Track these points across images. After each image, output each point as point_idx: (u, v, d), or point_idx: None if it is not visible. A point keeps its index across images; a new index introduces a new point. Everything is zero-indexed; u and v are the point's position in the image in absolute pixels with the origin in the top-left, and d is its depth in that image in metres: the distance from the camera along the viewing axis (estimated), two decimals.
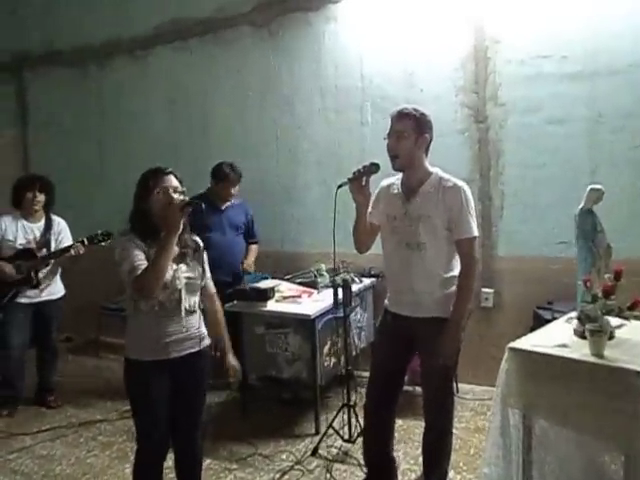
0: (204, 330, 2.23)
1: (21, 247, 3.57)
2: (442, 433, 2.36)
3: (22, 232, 3.62)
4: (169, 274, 2.04)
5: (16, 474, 2.93)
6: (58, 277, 3.79)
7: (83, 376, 4.37)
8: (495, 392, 2.21)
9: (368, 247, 2.49)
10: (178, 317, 2.11)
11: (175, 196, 2.06)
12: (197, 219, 2.52)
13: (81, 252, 3.51)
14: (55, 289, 3.76)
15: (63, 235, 3.76)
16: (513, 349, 2.15)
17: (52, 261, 3.63)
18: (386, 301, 2.47)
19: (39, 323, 3.72)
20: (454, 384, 2.43)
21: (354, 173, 2.25)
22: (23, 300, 3.59)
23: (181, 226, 2.02)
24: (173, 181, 2.12)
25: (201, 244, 2.26)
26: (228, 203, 3.87)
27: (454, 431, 3.06)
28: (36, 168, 5.72)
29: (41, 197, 3.66)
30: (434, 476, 2.39)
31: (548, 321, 2.66)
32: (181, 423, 2.22)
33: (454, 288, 2.26)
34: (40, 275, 3.59)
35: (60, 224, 3.79)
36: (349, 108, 4.07)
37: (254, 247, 4.06)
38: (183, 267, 2.12)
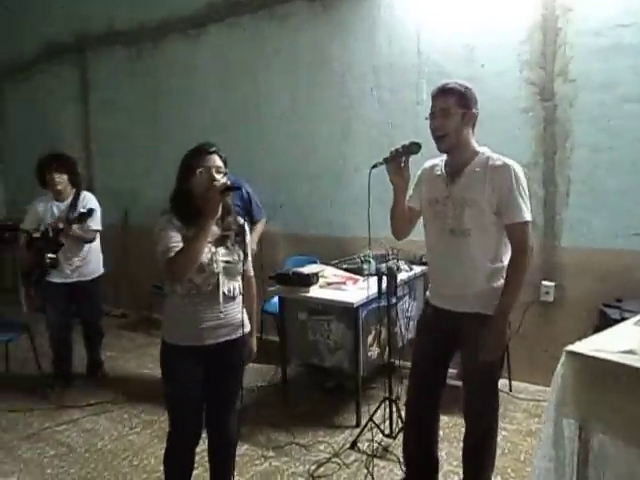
0: (243, 317, 2.14)
1: (45, 227, 3.56)
2: (484, 438, 2.17)
3: (50, 213, 3.65)
4: (206, 257, 1.96)
5: (61, 446, 3.01)
6: (92, 257, 3.74)
7: (133, 352, 4.46)
8: (549, 398, 2.01)
9: (406, 234, 2.32)
10: (216, 302, 2.02)
11: (218, 177, 1.97)
12: None
13: (69, 232, 3.47)
14: (87, 270, 3.72)
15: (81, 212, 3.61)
16: (571, 353, 1.92)
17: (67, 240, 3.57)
18: (427, 292, 2.29)
19: (75, 303, 3.77)
20: (498, 385, 2.20)
21: (391, 152, 2.08)
22: (56, 280, 3.63)
23: (220, 210, 1.94)
24: (216, 161, 2.01)
25: (246, 227, 2.16)
26: None
27: (504, 433, 2.92)
28: (96, 144, 5.91)
29: (61, 177, 3.64)
30: None
31: (616, 321, 2.40)
32: (214, 409, 2.17)
33: (502, 282, 2.04)
34: (59, 255, 3.55)
35: (85, 200, 3.69)
36: (404, 86, 3.85)
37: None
38: (222, 250, 2.03)
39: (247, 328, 2.16)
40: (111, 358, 4.22)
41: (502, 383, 3.38)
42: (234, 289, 2.08)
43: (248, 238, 2.17)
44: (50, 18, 6.04)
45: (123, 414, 3.35)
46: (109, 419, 3.29)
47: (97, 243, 3.80)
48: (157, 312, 4.89)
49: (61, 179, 3.64)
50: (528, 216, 2.00)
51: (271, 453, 2.85)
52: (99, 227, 3.71)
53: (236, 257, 2.07)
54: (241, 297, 2.13)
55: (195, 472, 2.25)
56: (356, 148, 4.09)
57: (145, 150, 5.38)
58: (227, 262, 2.04)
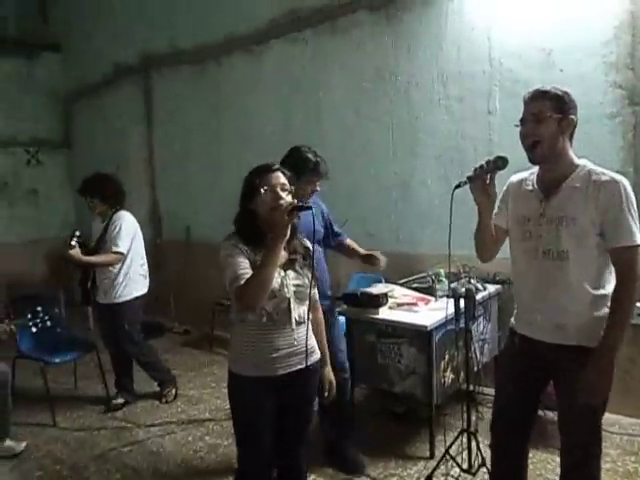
0: (313, 343, 2.02)
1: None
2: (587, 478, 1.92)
3: (94, 234, 3.72)
4: (277, 281, 1.85)
5: (126, 468, 2.97)
6: (122, 280, 3.61)
7: (196, 371, 4.43)
8: None
9: (492, 256, 2.12)
10: (288, 329, 1.90)
11: (283, 195, 1.86)
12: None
13: (71, 253, 3.40)
14: (115, 293, 3.60)
15: (112, 233, 3.57)
16: None
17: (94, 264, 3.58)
18: (512, 320, 2.06)
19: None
20: (601, 429, 1.95)
21: (475, 170, 1.89)
22: (99, 300, 3.68)
23: (288, 231, 1.80)
24: (280, 178, 1.90)
25: (311, 248, 2.04)
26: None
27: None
28: (159, 163, 6.01)
29: (92, 201, 3.65)
30: None
31: None
32: (286, 442, 2.04)
33: (606, 310, 1.81)
34: (90, 277, 3.62)
35: (114, 223, 3.59)
36: (474, 95, 3.64)
37: (350, 240, 3.12)
38: (292, 274, 1.92)
39: (318, 355, 2.04)
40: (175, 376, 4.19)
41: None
42: (304, 313, 1.95)
43: (316, 261, 2.05)
44: (116, 40, 6.24)
45: (187, 437, 3.29)
46: (173, 442, 3.23)
47: (130, 266, 3.65)
48: (219, 329, 4.86)
49: (93, 203, 3.66)
50: (638, 239, 1.76)
51: (330, 471, 2.70)
52: (120, 250, 3.55)
53: (306, 281, 1.94)
54: (309, 322, 2.01)
55: None
56: (423, 161, 3.92)
57: (207, 167, 5.41)
58: (297, 286, 1.92)
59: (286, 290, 1.88)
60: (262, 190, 1.87)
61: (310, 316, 1.99)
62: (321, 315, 2.15)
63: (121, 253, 3.56)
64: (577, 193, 1.82)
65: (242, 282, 1.78)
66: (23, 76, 6.77)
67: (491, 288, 3.38)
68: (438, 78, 3.80)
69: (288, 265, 1.92)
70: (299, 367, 1.93)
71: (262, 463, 1.97)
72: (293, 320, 1.89)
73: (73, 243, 3.42)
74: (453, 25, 3.69)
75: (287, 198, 1.87)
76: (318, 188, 2.75)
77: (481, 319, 3.32)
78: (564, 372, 1.84)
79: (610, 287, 1.82)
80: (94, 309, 3.91)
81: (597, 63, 3.17)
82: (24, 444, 3.17)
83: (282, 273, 1.88)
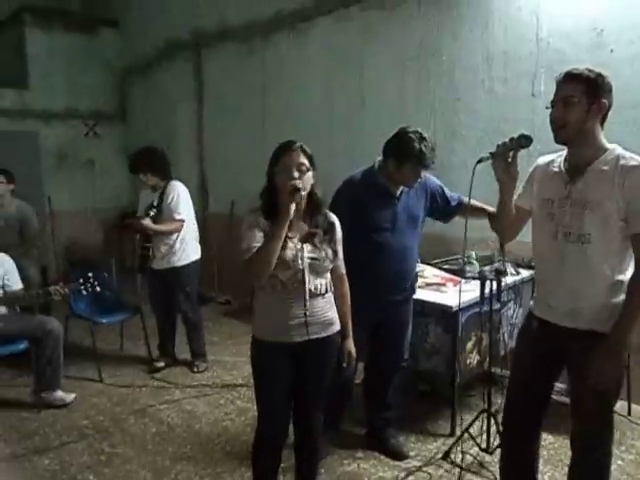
0: (333, 315, 2.10)
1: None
2: (593, 472, 1.93)
3: (143, 204, 3.87)
4: (291, 253, 1.95)
5: (162, 424, 3.18)
6: (180, 245, 3.77)
7: (234, 339, 4.61)
8: None
9: (513, 236, 2.12)
10: (301, 299, 1.99)
11: (296, 175, 1.94)
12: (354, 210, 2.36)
13: (144, 223, 3.62)
14: (174, 259, 3.78)
15: (171, 202, 3.72)
16: None
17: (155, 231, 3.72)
18: (531, 302, 2.08)
19: (169, 291, 3.89)
20: (613, 413, 1.94)
21: (498, 146, 1.89)
22: (153, 266, 3.82)
23: (291, 213, 1.89)
24: (297, 158, 1.97)
25: (336, 224, 2.11)
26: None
27: (619, 462, 2.65)
28: (208, 138, 6.18)
29: (145, 176, 3.78)
30: None
31: None
32: (300, 408, 2.16)
33: (623, 296, 1.79)
34: (151, 245, 3.75)
35: (170, 193, 3.74)
36: (519, 77, 3.57)
37: (473, 201, 2.44)
38: (308, 247, 2.00)
39: (337, 327, 2.12)
40: (213, 343, 4.40)
41: (620, 405, 3.06)
42: (321, 286, 2.03)
43: (339, 235, 2.11)
44: (169, 16, 6.38)
45: (220, 399, 3.47)
46: (206, 403, 3.42)
47: (187, 231, 3.82)
48: None
49: (146, 177, 3.81)
50: None
51: (360, 454, 2.80)
52: (182, 217, 3.74)
53: (323, 254, 2.02)
54: (331, 295, 2.09)
55: (284, 465, 2.27)
56: (464, 143, 3.88)
57: (253, 143, 5.51)
58: (313, 259, 2.00)
59: (300, 262, 1.96)
60: (277, 169, 1.98)
61: (331, 288, 2.08)
62: (347, 289, 2.20)
63: (182, 220, 3.77)
64: (604, 176, 1.79)
65: (251, 254, 1.91)
66: (83, 51, 7.05)
67: (524, 273, 3.34)
68: (483, 59, 3.74)
69: (306, 238, 2.00)
70: (317, 336, 2.02)
71: (276, 424, 2.09)
72: (307, 291, 1.97)
73: (152, 213, 3.68)
74: (500, 4, 3.61)
75: (302, 178, 1.94)
76: (422, 177, 2.57)
77: (511, 303, 3.32)
78: (577, 356, 1.85)
79: (629, 274, 1.80)
80: (144, 277, 4.09)
81: None
82: (73, 395, 3.44)
83: (298, 246, 1.97)
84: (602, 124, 1.87)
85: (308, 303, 2.00)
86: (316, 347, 2.04)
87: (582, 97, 1.78)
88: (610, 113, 1.88)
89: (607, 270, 1.81)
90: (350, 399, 2.90)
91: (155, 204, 3.73)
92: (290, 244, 1.97)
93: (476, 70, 3.77)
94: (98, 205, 7.20)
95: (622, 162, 1.78)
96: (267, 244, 1.89)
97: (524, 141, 1.86)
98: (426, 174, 2.65)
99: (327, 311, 2.07)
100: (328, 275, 2.08)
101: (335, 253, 2.08)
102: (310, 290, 2.00)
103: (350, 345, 2.21)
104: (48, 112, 6.80)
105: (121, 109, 7.51)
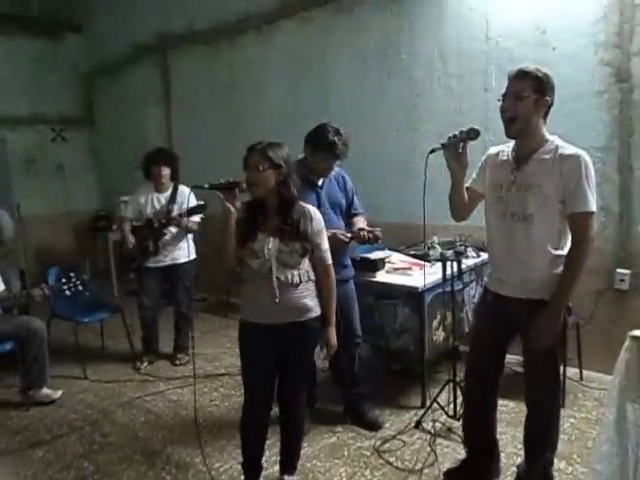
0: (310, 302, 2.26)
1: (148, 217, 3.95)
2: (545, 424, 2.20)
3: (151, 204, 4.00)
4: (259, 244, 2.17)
5: (150, 413, 3.34)
6: (184, 243, 3.99)
7: (212, 334, 4.78)
8: (612, 383, 2.02)
9: (464, 216, 2.36)
10: (270, 287, 2.17)
11: (250, 176, 2.17)
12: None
13: (188, 225, 3.82)
14: (179, 254, 4.00)
15: (185, 204, 3.85)
16: (636, 338, 1.94)
17: (171, 229, 3.93)
18: (486, 278, 2.33)
19: (167, 286, 4.09)
20: (559, 371, 2.21)
21: (449, 138, 2.12)
22: (151, 265, 3.98)
23: (230, 210, 2.14)
24: (255, 158, 2.18)
25: (311, 219, 2.25)
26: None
27: (572, 420, 2.94)
28: (177, 140, 6.28)
29: (165, 170, 3.97)
30: (535, 464, 2.25)
31: None
32: (281, 387, 2.36)
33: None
34: (159, 244, 3.92)
35: (183, 194, 3.93)
36: (472, 73, 3.84)
37: (361, 218, 3.13)
38: (276, 241, 2.17)
39: (314, 313, 2.28)
40: (193, 337, 4.53)
41: (573, 372, 3.39)
42: (293, 277, 2.20)
43: (316, 229, 2.25)
44: (135, 20, 6.46)
45: (204, 388, 3.63)
46: (191, 392, 3.56)
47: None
48: (234, 297, 5.18)
49: (165, 172, 3.97)
50: (593, 207, 1.99)
51: (339, 428, 3.01)
52: (198, 220, 3.99)
53: (291, 248, 2.17)
54: (310, 284, 2.26)
55: (269, 441, 2.47)
56: (424, 136, 4.12)
57: (222, 143, 5.64)
58: (281, 252, 2.17)
59: (267, 253, 2.16)
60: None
61: (311, 278, 2.26)
62: (331, 280, 2.32)
63: (199, 222, 4.02)
64: (545, 164, 2.05)
65: None
66: (47, 56, 7.05)
67: (484, 255, 3.60)
68: (439, 56, 3.99)
69: (275, 232, 2.19)
70: (291, 320, 2.22)
71: (259, 397, 2.30)
72: (274, 279, 2.17)
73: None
74: (453, 6, 3.87)
75: (257, 176, 2.15)
76: (335, 168, 2.89)
77: (473, 284, 3.58)
78: (528, 322, 2.09)
79: (567, 249, 2.06)
80: (136, 275, 4.19)
81: (587, 42, 3.33)
82: (60, 392, 3.55)
83: (267, 238, 2.18)
84: (545, 118, 2.11)
85: (277, 291, 2.17)
86: (293, 331, 2.23)
87: (531, 93, 2.02)
88: (553, 106, 2.13)
89: (549, 246, 2.06)
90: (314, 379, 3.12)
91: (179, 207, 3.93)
92: (260, 236, 2.17)
93: (432, 67, 4.03)
94: (69, 209, 7.22)
95: (560, 151, 2.03)
96: (219, 237, 2.17)
97: (473, 133, 2.10)
98: (346, 176, 3.04)
99: (303, 298, 2.23)
100: (305, 266, 2.24)
101: (307, 246, 2.20)
102: (279, 279, 2.18)
103: (329, 334, 2.34)
104: (13, 118, 6.78)
105: (89, 113, 7.54)
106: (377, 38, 4.29)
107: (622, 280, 3.35)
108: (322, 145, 2.74)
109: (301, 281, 2.23)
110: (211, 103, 5.71)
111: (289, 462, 2.48)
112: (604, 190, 3.35)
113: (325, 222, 2.70)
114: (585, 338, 3.37)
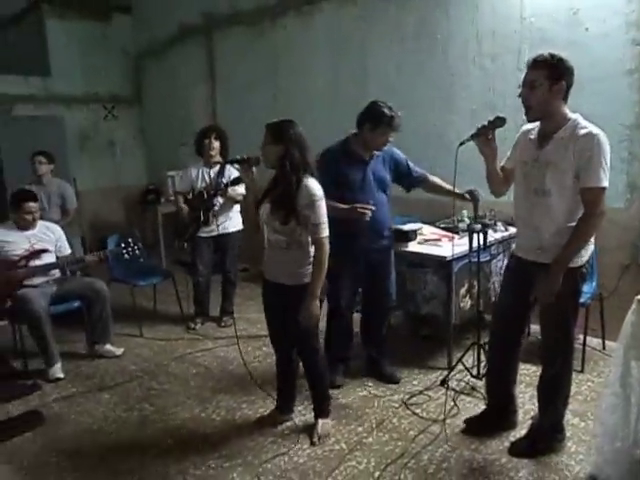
0: (298, 270, 2.51)
1: (200, 190, 4.27)
2: (556, 376, 2.42)
3: (202, 177, 4.31)
4: (261, 211, 2.57)
5: (200, 366, 3.72)
6: (233, 214, 4.34)
7: (255, 300, 5.07)
8: (619, 342, 2.22)
9: (503, 192, 2.60)
10: (269, 247, 2.60)
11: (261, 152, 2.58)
12: (332, 172, 2.82)
13: (232, 194, 4.11)
14: (229, 224, 4.32)
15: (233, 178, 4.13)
16: None
17: (220, 200, 4.23)
18: (513, 245, 2.55)
19: (218, 254, 4.43)
20: (571, 332, 2.41)
21: (478, 129, 2.35)
22: (203, 234, 4.32)
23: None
24: (265, 136, 2.54)
25: (303, 193, 2.41)
26: (374, 153, 3.13)
27: (589, 384, 3.13)
28: (221, 119, 6.57)
29: (216, 144, 4.28)
30: (546, 415, 2.49)
31: None
32: (294, 341, 2.74)
33: None
34: (210, 214, 4.23)
35: (231, 169, 4.19)
36: (506, 53, 3.96)
37: (435, 178, 3.40)
38: (267, 207, 2.52)
39: (303, 281, 2.49)
40: (237, 304, 4.84)
41: (596, 342, 3.58)
42: (279, 242, 2.52)
43: (305, 201, 2.40)
44: (180, 2, 6.72)
45: (248, 347, 3.97)
46: (236, 350, 3.86)
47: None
48: None
49: (215, 145, 4.28)
50: (604, 183, 2.15)
51: (370, 383, 3.31)
52: (244, 192, 4.20)
53: (276, 217, 2.45)
54: (303, 253, 2.50)
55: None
56: (459, 116, 4.28)
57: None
58: (269, 217, 2.51)
59: (261, 215, 2.58)
60: None
61: (300, 248, 2.51)
62: (320, 253, 2.45)
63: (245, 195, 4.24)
64: (563, 143, 2.23)
65: None
66: (98, 38, 7.42)
67: (512, 229, 3.78)
68: (473, 37, 4.12)
69: (269, 201, 2.53)
70: (283, 281, 2.56)
71: (275, 344, 2.84)
72: (266, 239, 2.56)
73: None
74: None
75: (263, 151, 2.53)
76: (391, 139, 3.07)
77: (501, 256, 3.77)
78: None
79: None
80: (189, 244, 4.48)
81: (620, 22, 3.42)
82: (122, 350, 3.95)
83: (265, 206, 2.55)
84: (565, 99, 2.27)
85: (273, 251, 2.58)
86: (285, 292, 2.56)
87: (544, 81, 2.19)
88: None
89: (563, 218, 2.27)
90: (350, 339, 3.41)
91: (227, 180, 4.13)
92: (264, 205, 2.54)
93: (467, 48, 4.17)
94: (120, 183, 7.66)
95: (577, 131, 2.20)
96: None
97: (499, 122, 2.33)
98: (392, 147, 3.23)
99: (292, 263, 2.51)
100: (296, 235, 2.47)
101: (291, 216, 2.40)
102: (269, 240, 2.56)
103: (310, 303, 2.44)
104: (70, 97, 7.21)
105: (137, 92, 7.91)
106: (415, 19, 4.43)
107: None
108: (383, 120, 2.93)
109: (289, 248, 2.50)
110: (255, 83, 5.95)
111: (317, 406, 2.82)
112: (632, 167, 3.47)
113: (365, 194, 3.05)
114: (608, 310, 3.53)
